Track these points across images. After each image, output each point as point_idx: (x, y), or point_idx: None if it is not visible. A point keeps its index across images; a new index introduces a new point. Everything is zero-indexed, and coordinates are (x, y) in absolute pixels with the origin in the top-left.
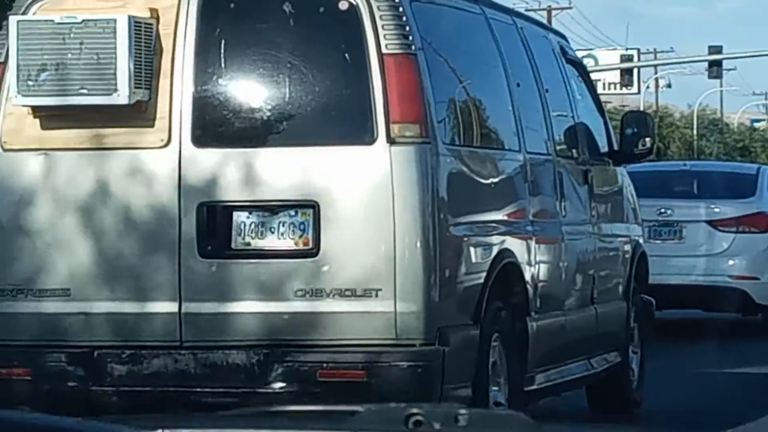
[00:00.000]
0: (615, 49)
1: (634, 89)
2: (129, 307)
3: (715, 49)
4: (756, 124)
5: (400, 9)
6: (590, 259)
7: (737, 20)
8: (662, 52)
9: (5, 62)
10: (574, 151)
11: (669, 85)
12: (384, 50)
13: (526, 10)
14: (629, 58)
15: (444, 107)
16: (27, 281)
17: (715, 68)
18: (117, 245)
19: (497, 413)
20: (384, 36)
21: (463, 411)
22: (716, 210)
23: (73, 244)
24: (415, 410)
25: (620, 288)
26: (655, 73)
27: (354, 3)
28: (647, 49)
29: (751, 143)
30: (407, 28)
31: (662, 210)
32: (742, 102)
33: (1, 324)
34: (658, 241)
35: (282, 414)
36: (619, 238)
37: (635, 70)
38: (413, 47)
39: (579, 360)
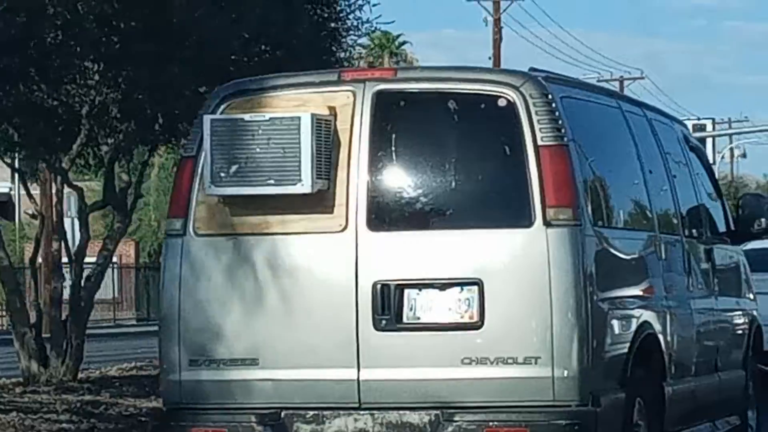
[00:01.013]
0: (688, 119)
1: (710, 159)
2: (312, 374)
3: (700, 127)
4: None
5: (553, 105)
6: (714, 330)
7: None
8: (737, 121)
9: (196, 156)
10: (698, 231)
11: (744, 155)
12: (539, 142)
13: (599, 80)
14: (702, 128)
15: (590, 192)
16: (220, 352)
17: None
18: (301, 319)
19: None
20: (539, 129)
21: None
22: None
23: (262, 319)
24: None
25: (739, 357)
26: (730, 142)
27: (511, 100)
28: (722, 119)
29: None
30: (559, 122)
31: None
32: None
33: (198, 389)
34: None
35: None
36: (737, 312)
37: (709, 140)
38: (565, 139)
39: (706, 422)
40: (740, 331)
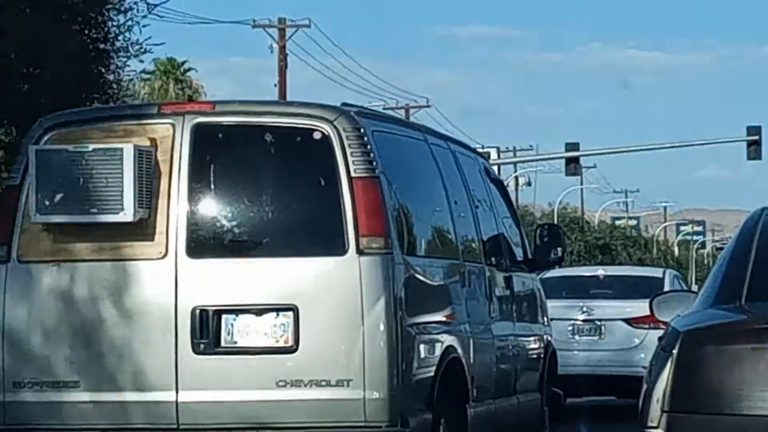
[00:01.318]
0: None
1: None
2: (133, 396)
3: (572, 147)
4: (617, 222)
5: (365, 138)
6: (513, 354)
7: (594, 120)
8: (522, 150)
9: (21, 184)
10: (499, 259)
11: (528, 183)
12: (353, 173)
13: (385, 107)
14: (487, 156)
15: (400, 222)
16: (43, 375)
17: (572, 165)
18: (121, 344)
19: None
20: (352, 162)
21: None
22: (629, 309)
23: (83, 343)
24: None
25: (536, 380)
26: (515, 171)
27: (326, 133)
28: (507, 147)
29: (611, 241)
30: (371, 155)
31: (584, 309)
32: (603, 200)
33: (21, 411)
34: (583, 337)
35: None
36: (534, 337)
37: (495, 168)
38: (376, 171)
39: None
40: (536, 356)
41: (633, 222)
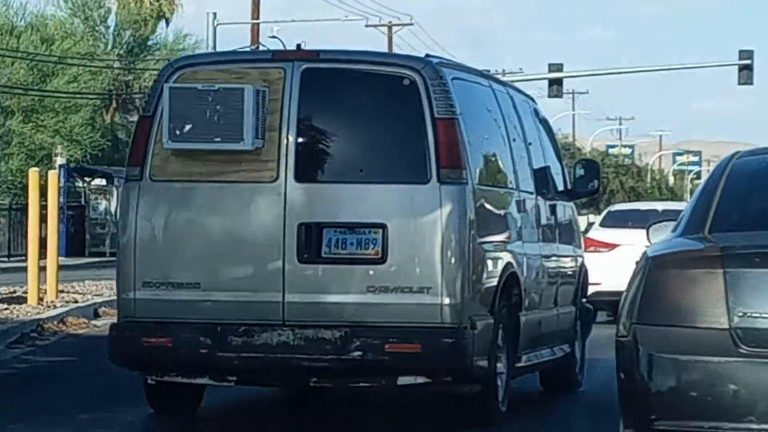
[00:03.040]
0: None
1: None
2: (245, 297)
3: (556, 67)
4: (611, 150)
5: (446, 85)
6: (555, 272)
7: (590, 48)
8: (511, 72)
9: (153, 116)
10: (545, 189)
11: None
12: (436, 115)
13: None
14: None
15: (472, 156)
16: (169, 276)
17: (554, 87)
18: (236, 252)
19: None
20: (435, 105)
21: None
22: None
23: (202, 251)
24: None
25: (571, 295)
26: None
27: (413, 80)
28: (496, 70)
29: (603, 169)
30: (451, 99)
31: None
32: (596, 127)
33: (149, 307)
34: None
35: None
36: (572, 258)
37: None
38: (455, 113)
39: (546, 348)
40: (573, 274)
41: (627, 150)
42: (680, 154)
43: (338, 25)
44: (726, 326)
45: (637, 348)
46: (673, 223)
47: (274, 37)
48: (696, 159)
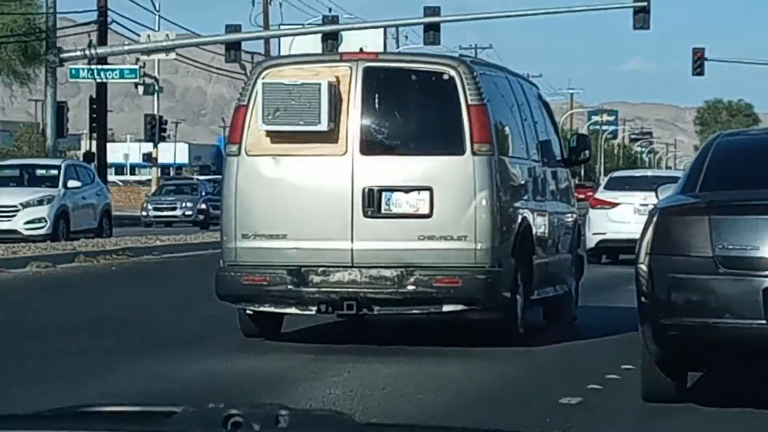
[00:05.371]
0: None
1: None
2: (322, 245)
3: (432, 11)
4: None
5: (477, 79)
6: (557, 225)
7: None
8: (483, 48)
9: (248, 104)
10: (548, 159)
11: None
12: (469, 102)
13: None
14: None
15: (497, 133)
16: (262, 229)
17: (430, 33)
18: (315, 210)
19: (319, 414)
20: (469, 94)
21: (283, 412)
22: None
23: (288, 209)
24: (233, 411)
25: (568, 244)
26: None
27: (452, 75)
28: (470, 45)
29: None
30: (481, 89)
31: (641, 197)
32: None
33: (247, 253)
34: (641, 216)
35: (97, 415)
36: (569, 213)
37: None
38: (484, 100)
39: (551, 285)
40: (570, 226)
41: None
42: (595, 114)
43: None
44: (710, 255)
45: (651, 270)
46: (674, 185)
47: None
48: (612, 119)
